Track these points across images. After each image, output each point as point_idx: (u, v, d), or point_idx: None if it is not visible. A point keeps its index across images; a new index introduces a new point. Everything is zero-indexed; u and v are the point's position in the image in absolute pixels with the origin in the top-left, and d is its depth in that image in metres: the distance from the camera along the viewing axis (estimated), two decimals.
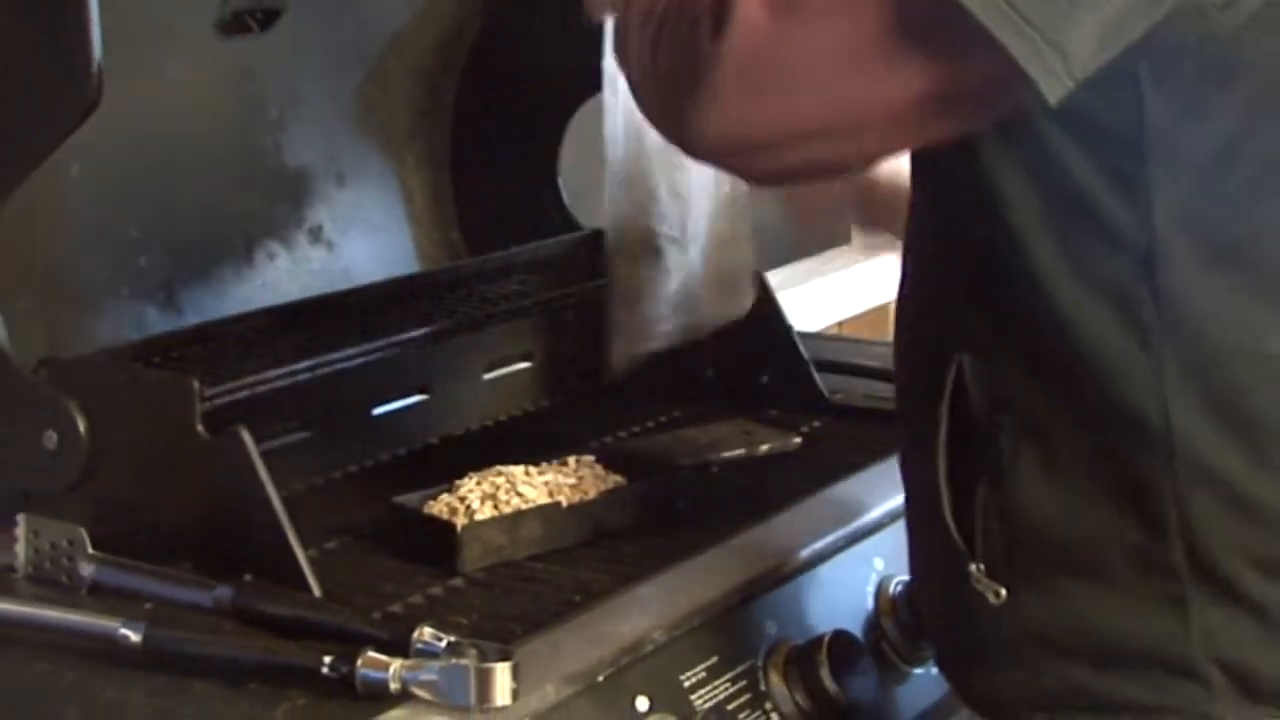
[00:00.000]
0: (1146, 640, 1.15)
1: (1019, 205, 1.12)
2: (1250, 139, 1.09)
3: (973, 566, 1.20)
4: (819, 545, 1.50)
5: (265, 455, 1.37)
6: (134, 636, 1.27)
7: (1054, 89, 0.99)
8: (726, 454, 1.71)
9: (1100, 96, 1.04)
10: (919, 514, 1.29)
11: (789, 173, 1.14)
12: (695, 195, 1.68)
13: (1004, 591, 1.19)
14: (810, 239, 2.67)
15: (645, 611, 1.36)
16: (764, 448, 1.73)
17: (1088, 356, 1.12)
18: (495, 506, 1.50)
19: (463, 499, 1.51)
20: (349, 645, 1.22)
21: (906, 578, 1.52)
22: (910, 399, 1.27)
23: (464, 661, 1.19)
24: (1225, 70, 1.07)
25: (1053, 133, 1.09)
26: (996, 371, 1.18)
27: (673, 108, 1.08)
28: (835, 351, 1.99)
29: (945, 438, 1.20)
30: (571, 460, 1.60)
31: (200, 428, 1.38)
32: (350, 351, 1.55)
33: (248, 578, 1.36)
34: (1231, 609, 1.13)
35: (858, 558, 1.53)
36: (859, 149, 1.09)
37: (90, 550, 1.41)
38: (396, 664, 1.20)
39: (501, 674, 1.19)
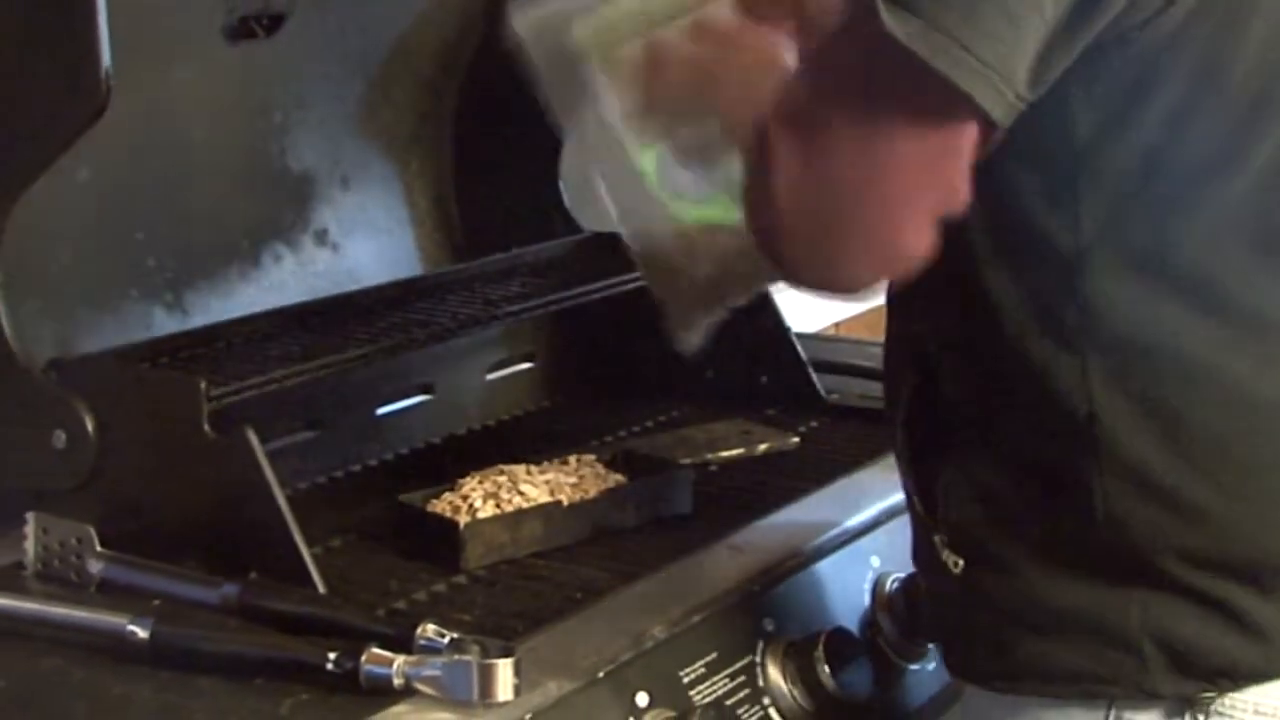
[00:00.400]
0: (1089, 615, 1.18)
1: (975, 226, 1.15)
2: (1168, 151, 1.13)
3: (936, 537, 1.25)
4: (816, 543, 1.51)
5: (271, 454, 1.38)
6: (141, 633, 1.27)
7: (1003, 112, 1.05)
8: (725, 453, 1.71)
9: (1037, 116, 1.08)
10: (909, 500, 1.33)
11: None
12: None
13: (961, 562, 1.23)
14: None
15: (645, 608, 1.36)
16: (762, 447, 1.73)
17: (1021, 356, 1.17)
18: (497, 505, 1.50)
19: (465, 497, 1.51)
20: (353, 641, 1.22)
21: (903, 575, 1.52)
22: (892, 386, 1.31)
23: (467, 658, 1.19)
24: (1145, 85, 1.11)
25: (1003, 159, 1.12)
26: (951, 365, 1.24)
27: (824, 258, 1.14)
28: (832, 352, 1.99)
29: (905, 420, 1.27)
30: (572, 459, 1.61)
31: (207, 427, 1.38)
32: (355, 352, 1.55)
33: (254, 575, 1.36)
34: (1162, 593, 1.16)
35: (854, 555, 1.53)
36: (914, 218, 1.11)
37: (98, 548, 1.41)
38: (400, 660, 1.20)
39: (504, 670, 1.19)
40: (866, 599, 1.52)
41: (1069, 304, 1.15)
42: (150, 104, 1.60)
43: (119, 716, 1.20)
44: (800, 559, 1.48)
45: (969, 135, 1.07)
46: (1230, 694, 1.16)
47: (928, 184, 1.08)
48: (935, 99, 1.04)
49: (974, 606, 1.24)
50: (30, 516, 1.44)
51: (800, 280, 1.17)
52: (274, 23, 1.72)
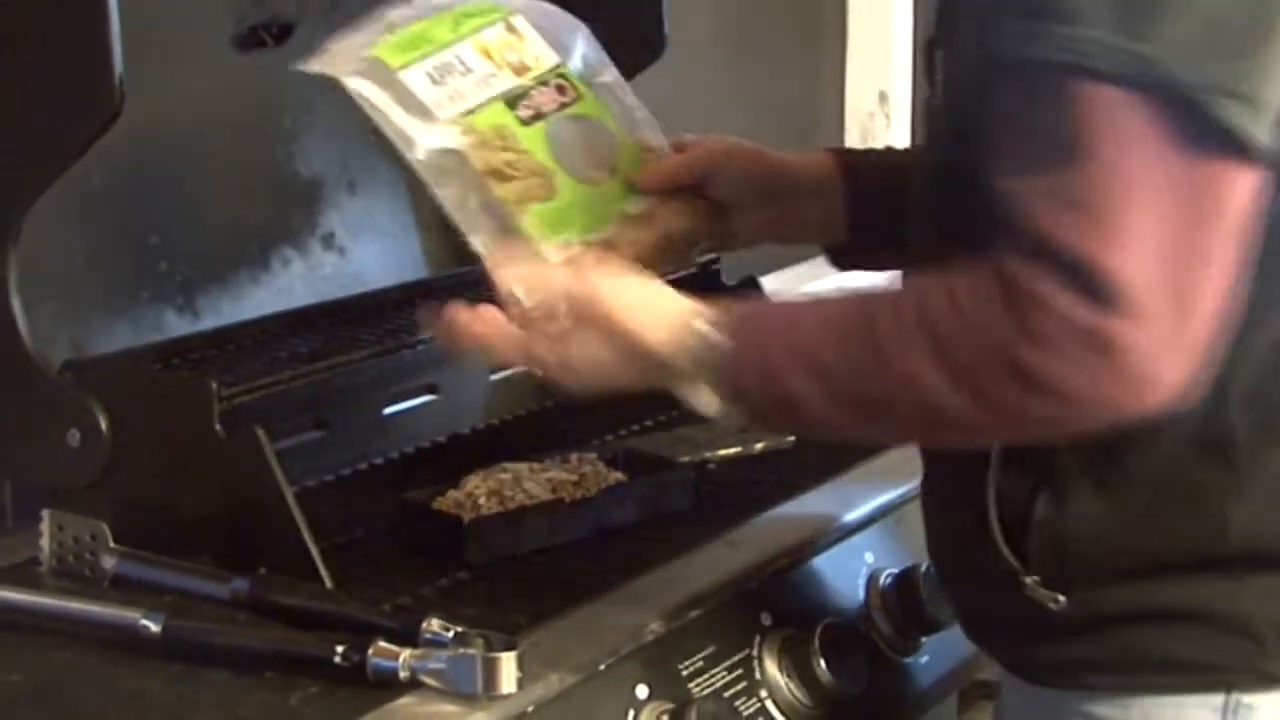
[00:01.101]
0: (1207, 609, 1.19)
1: None
2: None
3: (1028, 580, 1.23)
4: (812, 539, 1.51)
5: (280, 453, 1.38)
6: (154, 627, 1.27)
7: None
8: (723, 452, 1.71)
9: None
10: (959, 532, 1.30)
11: None
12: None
13: (1062, 598, 1.22)
14: (800, 248, 2.67)
15: (645, 603, 1.36)
16: (759, 446, 1.73)
17: None
18: (500, 502, 1.50)
19: (469, 495, 1.51)
20: (360, 635, 1.22)
21: (896, 570, 1.52)
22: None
23: (471, 651, 1.19)
24: None
25: None
26: None
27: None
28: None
29: (996, 462, 1.23)
30: (574, 458, 1.61)
31: (218, 427, 1.38)
32: (361, 353, 1.55)
33: (263, 571, 1.36)
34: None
35: (849, 551, 1.53)
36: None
37: (112, 544, 1.41)
38: (406, 653, 1.20)
39: (507, 663, 1.19)
40: (861, 594, 1.52)
41: None
42: (162, 112, 1.60)
43: (132, 708, 1.20)
44: (796, 555, 1.48)
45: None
46: None
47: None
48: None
49: (1075, 621, 1.22)
50: (46, 514, 1.44)
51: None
52: (283, 32, 1.72)
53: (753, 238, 1.49)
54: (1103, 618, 1.22)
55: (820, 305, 1.20)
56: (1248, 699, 1.19)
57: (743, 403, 1.18)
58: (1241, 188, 1.05)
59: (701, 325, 1.18)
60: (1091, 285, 1.03)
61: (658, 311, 1.21)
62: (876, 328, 1.12)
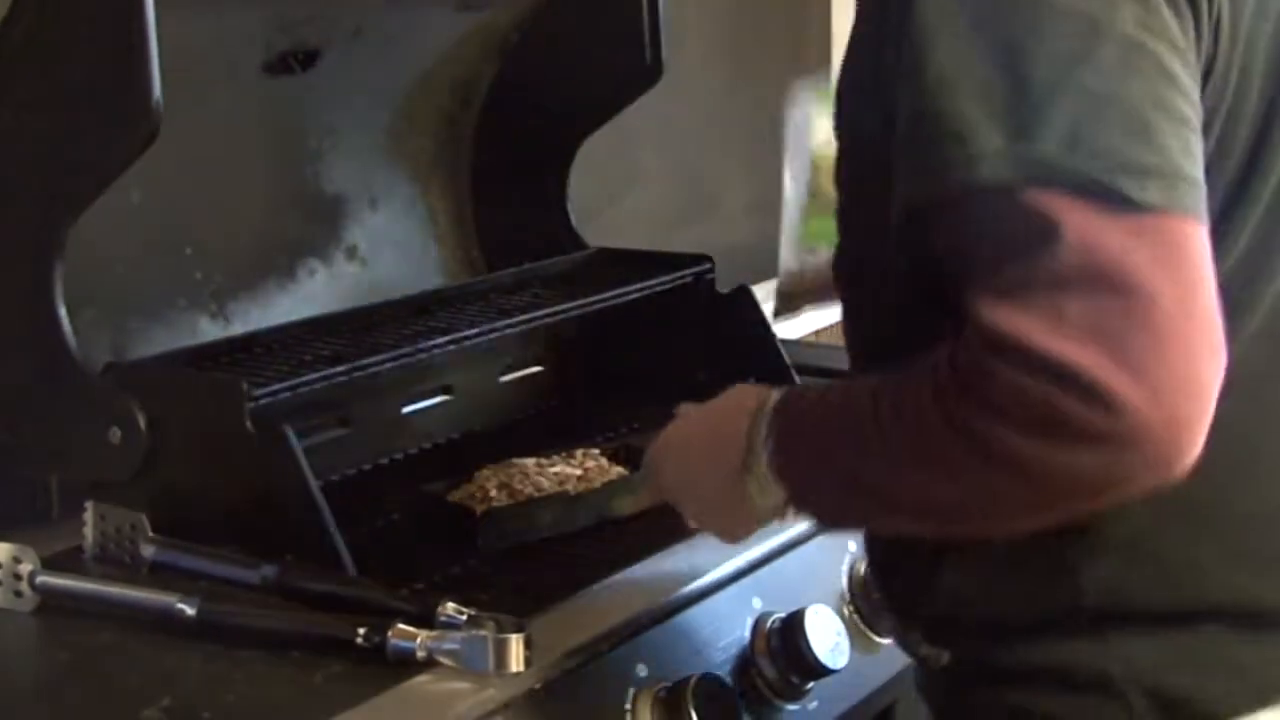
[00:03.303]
0: (1080, 671, 1.12)
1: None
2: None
3: (910, 635, 1.22)
4: (800, 530, 1.50)
5: (306, 449, 1.38)
6: (189, 610, 1.27)
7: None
8: None
9: None
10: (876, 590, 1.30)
11: None
12: None
13: (947, 655, 1.19)
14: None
15: (645, 589, 1.36)
16: None
17: None
18: (510, 495, 1.50)
19: (482, 488, 1.51)
20: (380, 618, 1.22)
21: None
22: None
23: (483, 633, 1.19)
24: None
25: None
26: None
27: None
28: (811, 356, 1.98)
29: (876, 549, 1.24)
30: (579, 454, 1.61)
31: (248, 425, 1.38)
32: (382, 357, 1.55)
33: (290, 558, 1.36)
34: (1149, 645, 1.11)
35: (835, 542, 1.53)
36: None
37: (150, 533, 1.41)
38: (423, 635, 1.20)
39: (516, 644, 1.19)
40: (843, 581, 1.52)
41: None
42: (197, 132, 1.60)
43: (169, 685, 1.20)
44: (782, 545, 1.48)
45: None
46: None
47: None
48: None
49: (966, 684, 1.19)
50: (89, 505, 1.44)
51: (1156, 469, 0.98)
52: (309, 59, 1.72)
53: None
54: (986, 675, 1.17)
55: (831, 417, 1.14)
56: None
57: (806, 508, 1.17)
58: (1188, 244, 0.97)
59: (757, 468, 1.16)
60: (1070, 379, 0.95)
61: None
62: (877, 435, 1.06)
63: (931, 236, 1.02)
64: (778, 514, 1.18)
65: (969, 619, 1.17)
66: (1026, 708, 1.14)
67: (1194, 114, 1.01)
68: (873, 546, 1.28)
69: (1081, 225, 0.95)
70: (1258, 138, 1.10)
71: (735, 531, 1.27)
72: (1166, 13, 1.01)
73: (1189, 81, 1.01)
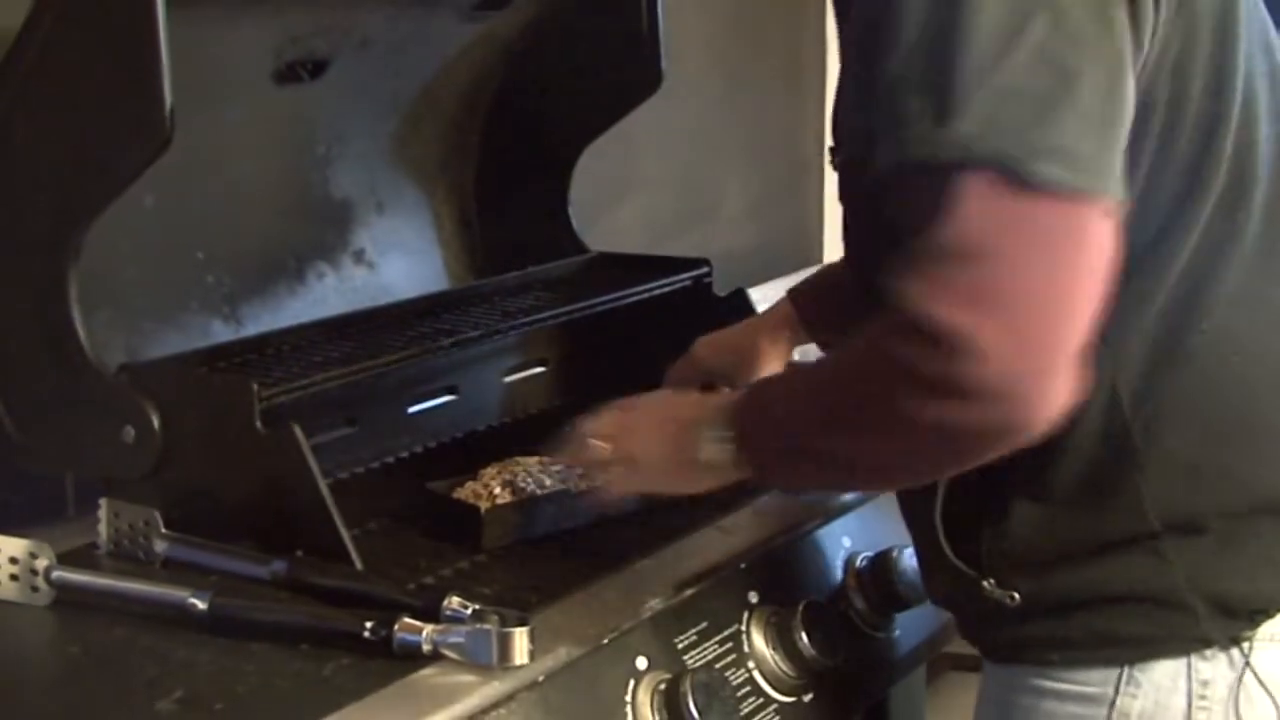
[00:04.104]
0: (1144, 589, 1.21)
1: None
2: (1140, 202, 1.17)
3: (985, 584, 1.27)
4: (795, 525, 1.51)
5: (314, 448, 1.38)
6: (201, 605, 1.27)
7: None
8: None
9: None
10: (924, 546, 1.35)
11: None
12: None
13: (1016, 595, 1.26)
14: (784, 260, 2.68)
15: (644, 583, 1.36)
16: None
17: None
18: (514, 492, 1.50)
19: (486, 485, 1.51)
20: (387, 612, 1.22)
21: (871, 554, 1.52)
22: None
23: (487, 626, 1.19)
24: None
25: None
26: None
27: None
28: (805, 356, 1.99)
29: (943, 491, 1.28)
30: None
31: (258, 424, 1.38)
32: (388, 357, 1.55)
33: (299, 554, 1.36)
34: (1203, 553, 1.21)
35: (829, 537, 1.53)
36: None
37: (163, 530, 1.41)
38: (428, 628, 1.20)
39: (520, 637, 1.19)
40: (839, 575, 1.52)
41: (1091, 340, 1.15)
42: (208, 140, 1.60)
43: (181, 677, 1.20)
44: (781, 539, 1.48)
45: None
46: (1262, 626, 1.22)
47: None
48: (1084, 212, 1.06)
49: (1030, 608, 1.26)
50: (104, 502, 1.44)
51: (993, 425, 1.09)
52: (318, 68, 1.72)
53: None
54: (1052, 605, 1.25)
55: (795, 385, 1.27)
56: (1198, 662, 1.22)
57: (761, 474, 1.25)
58: (1080, 226, 1.06)
59: (710, 433, 1.25)
60: (948, 345, 1.05)
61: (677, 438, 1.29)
62: (843, 393, 1.16)
63: (883, 213, 1.12)
64: (723, 473, 1.26)
65: (1038, 555, 1.24)
66: (1095, 627, 1.23)
67: (1119, 103, 1.08)
68: (934, 498, 1.30)
69: (980, 201, 1.04)
70: (1209, 119, 1.19)
71: (679, 486, 1.33)
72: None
73: (1123, 61, 1.09)
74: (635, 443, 1.34)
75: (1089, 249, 1.06)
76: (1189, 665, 1.22)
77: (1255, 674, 1.22)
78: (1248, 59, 1.22)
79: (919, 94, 1.07)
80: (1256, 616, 1.22)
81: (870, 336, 1.10)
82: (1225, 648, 1.22)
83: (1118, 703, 1.23)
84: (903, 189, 1.09)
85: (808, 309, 1.66)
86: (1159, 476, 1.21)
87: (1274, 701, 1.22)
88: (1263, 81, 1.24)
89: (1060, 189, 1.04)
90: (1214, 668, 1.22)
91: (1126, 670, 1.23)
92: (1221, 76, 1.19)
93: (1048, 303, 1.05)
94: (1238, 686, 1.22)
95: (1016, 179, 1.04)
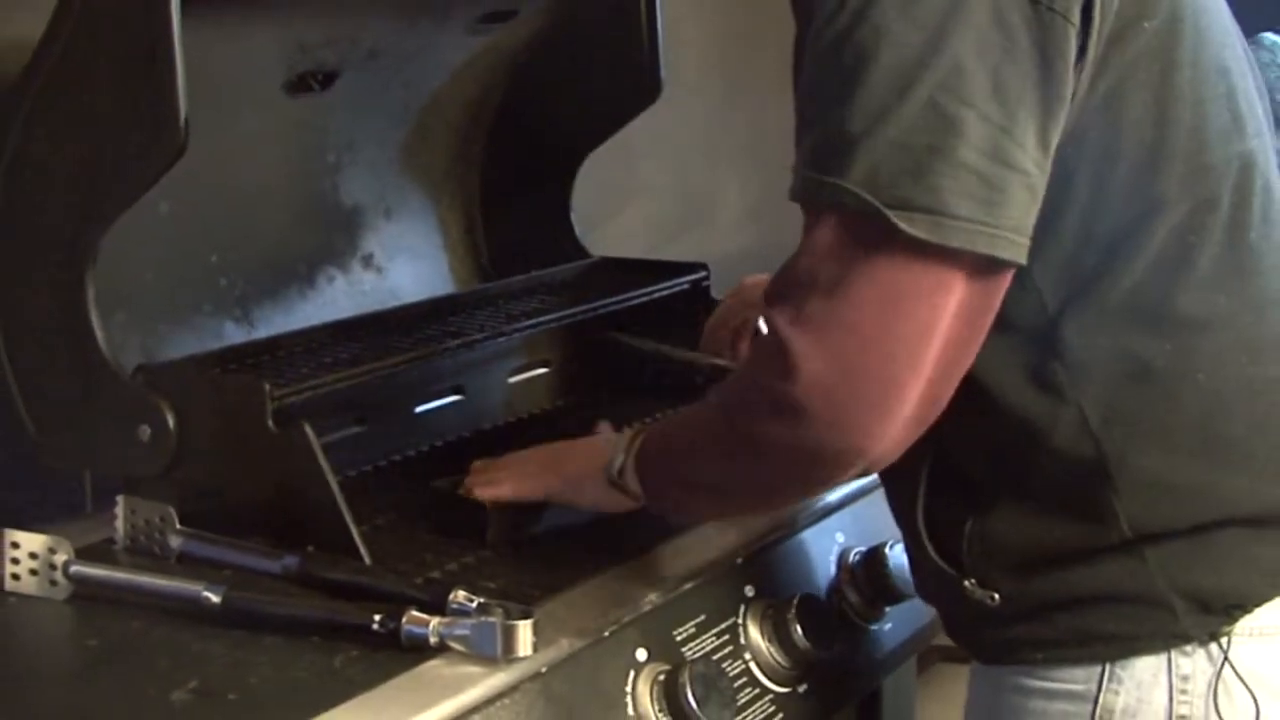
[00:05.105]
0: (1124, 589, 1.22)
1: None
2: (1095, 228, 1.19)
3: (965, 583, 1.27)
4: (790, 521, 1.51)
5: (324, 446, 1.38)
6: (215, 598, 1.27)
7: (1019, 255, 1.11)
8: None
9: None
10: (910, 545, 1.35)
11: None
12: None
13: (996, 596, 1.26)
14: (780, 264, 2.67)
15: (644, 577, 1.36)
16: None
17: (1023, 419, 1.22)
18: None
19: None
20: (395, 605, 1.22)
21: (864, 549, 1.52)
22: (901, 470, 1.26)
23: (492, 619, 1.19)
24: (1064, 184, 1.17)
25: None
26: (960, 440, 1.25)
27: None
28: None
29: (924, 493, 1.30)
30: None
31: (270, 423, 1.38)
32: (396, 359, 1.55)
33: (310, 549, 1.36)
34: (1179, 554, 1.21)
35: (823, 531, 1.53)
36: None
37: (178, 526, 1.41)
38: (435, 621, 1.20)
39: (524, 630, 1.19)
40: (833, 569, 1.52)
41: (1051, 363, 1.19)
42: (222, 148, 1.60)
43: (196, 669, 1.20)
44: (776, 535, 1.48)
45: (1004, 282, 1.14)
46: (1240, 621, 1.22)
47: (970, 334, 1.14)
48: (969, 264, 1.10)
49: (1014, 610, 1.26)
50: (120, 499, 1.44)
51: (828, 450, 1.14)
52: (328, 79, 1.72)
53: None
54: (1034, 606, 1.25)
55: (683, 421, 1.31)
56: (1178, 658, 1.22)
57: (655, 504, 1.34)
58: (933, 284, 1.10)
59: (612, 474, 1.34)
60: (783, 364, 1.11)
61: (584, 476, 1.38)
62: (710, 429, 1.24)
63: None
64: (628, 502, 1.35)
65: (1018, 557, 1.25)
66: (1077, 627, 1.23)
67: (1017, 147, 1.10)
68: (917, 500, 1.31)
69: (842, 242, 1.10)
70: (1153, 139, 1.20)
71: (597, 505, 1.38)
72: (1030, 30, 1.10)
73: (1028, 110, 1.10)
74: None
75: (938, 305, 1.10)
76: (1169, 661, 1.22)
77: (1233, 668, 1.22)
78: (1195, 85, 1.21)
79: (816, 136, 1.12)
80: (1233, 612, 1.22)
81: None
82: (1204, 643, 1.22)
83: (1101, 699, 1.23)
84: (803, 211, 1.15)
85: None
86: (1130, 491, 1.21)
87: (1252, 694, 1.22)
88: (1218, 105, 1.23)
89: (923, 247, 1.08)
90: (1194, 663, 1.22)
91: (1108, 667, 1.23)
92: (1163, 106, 1.19)
93: (882, 344, 1.10)
94: (1216, 680, 1.22)
95: (882, 230, 1.08)
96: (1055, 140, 1.13)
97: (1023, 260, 1.11)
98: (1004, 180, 1.09)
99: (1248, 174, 1.24)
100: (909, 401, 1.11)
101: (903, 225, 1.07)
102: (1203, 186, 1.21)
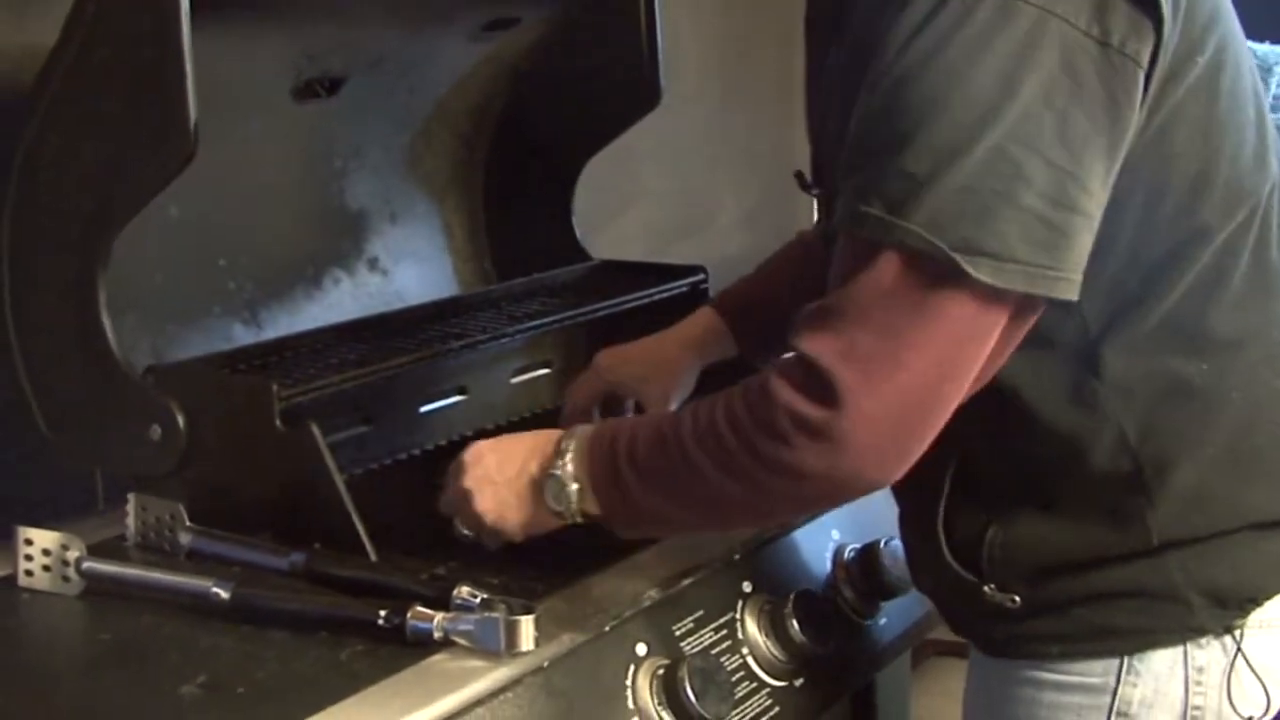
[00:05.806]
0: (1141, 586, 1.23)
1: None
2: (1141, 254, 1.19)
3: (985, 589, 1.27)
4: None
5: (331, 445, 1.38)
6: (224, 594, 1.27)
7: (1075, 293, 1.11)
8: None
9: None
10: (923, 550, 1.34)
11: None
12: None
13: (1017, 599, 1.26)
14: None
15: (643, 574, 1.36)
16: None
17: (1059, 434, 1.22)
18: None
19: None
20: (400, 601, 1.22)
21: (859, 545, 1.52)
22: (923, 476, 1.23)
23: (495, 614, 1.20)
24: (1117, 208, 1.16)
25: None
26: (990, 451, 1.26)
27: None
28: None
29: (946, 498, 1.29)
30: None
31: (278, 423, 1.38)
32: (401, 360, 1.55)
33: (317, 546, 1.36)
34: (1197, 554, 1.22)
35: (818, 529, 1.53)
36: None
37: (188, 523, 1.41)
38: (439, 616, 1.20)
39: (526, 625, 1.19)
40: (828, 566, 1.52)
41: (1091, 382, 1.19)
42: (230, 153, 1.60)
43: (205, 663, 1.20)
44: (774, 532, 1.48)
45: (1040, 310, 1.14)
46: (1253, 613, 1.24)
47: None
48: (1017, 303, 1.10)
49: (1031, 609, 1.26)
50: (131, 497, 1.44)
51: (861, 481, 1.14)
52: (334, 85, 1.72)
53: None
54: (1052, 604, 1.25)
55: (648, 422, 1.26)
56: (1194, 650, 1.23)
57: (606, 516, 1.27)
58: (987, 327, 1.10)
59: (556, 473, 1.27)
60: (827, 395, 1.09)
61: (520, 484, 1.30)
62: (680, 439, 1.18)
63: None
64: (565, 518, 1.27)
65: (1042, 564, 1.25)
66: (1094, 622, 1.24)
67: (1081, 191, 1.09)
68: (938, 508, 1.30)
69: (902, 282, 1.08)
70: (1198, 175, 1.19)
71: (519, 531, 1.32)
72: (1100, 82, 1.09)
73: (1094, 153, 1.09)
74: (488, 502, 1.32)
75: (988, 344, 1.10)
76: (1185, 653, 1.23)
77: (1246, 659, 1.23)
78: (1233, 113, 1.21)
79: (878, 173, 1.09)
80: (1247, 605, 1.23)
81: (761, 377, 1.14)
82: (1219, 635, 1.23)
83: (1120, 691, 1.24)
84: (845, 242, 1.13)
85: (745, 323, 1.60)
86: (1165, 504, 1.22)
87: (1262, 683, 1.23)
88: (1250, 130, 1.23)
89: (984, 290, 1.07)
90: (1208, 654, 1.23)
91: (1126, 660, 1.24)
92: (1207, 136, 1.19)
93: (935, 384, 1.10)
94: (1230, 670, 1.23)
95: (944, 272, 1.07)
96: (1114, 178, 1.13)
97: (1077, 296, 1.11)
98: (1067, 224, 1.09)
99: (1273, 195, 1.25)
100: (939, 430, 1.12)
101: (967, 268, 1.06)
102: (1239, 210, 1.22)
